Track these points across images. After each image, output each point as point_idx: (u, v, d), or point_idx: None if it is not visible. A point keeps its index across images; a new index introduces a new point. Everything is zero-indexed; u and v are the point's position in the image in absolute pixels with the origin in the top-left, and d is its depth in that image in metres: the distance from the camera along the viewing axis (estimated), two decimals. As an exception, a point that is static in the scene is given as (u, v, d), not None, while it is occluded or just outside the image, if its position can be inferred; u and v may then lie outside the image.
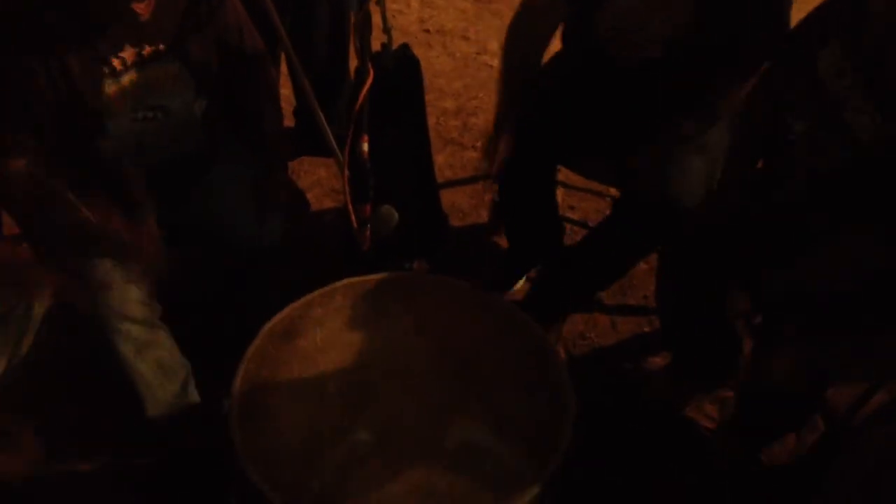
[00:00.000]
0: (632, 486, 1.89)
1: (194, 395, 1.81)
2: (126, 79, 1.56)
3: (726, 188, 1.78)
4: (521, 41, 1.89)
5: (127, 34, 1.53)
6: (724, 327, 1.97)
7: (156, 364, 1.69)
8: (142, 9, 1.46)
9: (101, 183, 1.63)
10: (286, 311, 1.60)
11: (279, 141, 1.88)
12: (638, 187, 1.85)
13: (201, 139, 1.74)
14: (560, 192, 2.46)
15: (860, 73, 1.42)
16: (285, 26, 1.81)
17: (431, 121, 2.22)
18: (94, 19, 1.47)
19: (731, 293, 1.92)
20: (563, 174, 2.39)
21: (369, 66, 1.49)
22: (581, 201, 2.70)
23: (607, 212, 2.67)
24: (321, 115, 1.62)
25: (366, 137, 1.49)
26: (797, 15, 1.61)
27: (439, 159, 2.77)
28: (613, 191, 2.63)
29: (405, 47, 1.97)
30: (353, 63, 1.79)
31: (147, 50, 1.56)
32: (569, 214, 2.60)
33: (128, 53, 1.54)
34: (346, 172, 1.50)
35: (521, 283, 2.34)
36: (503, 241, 2.56)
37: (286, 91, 2.43)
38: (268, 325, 1.57)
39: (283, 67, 2.36)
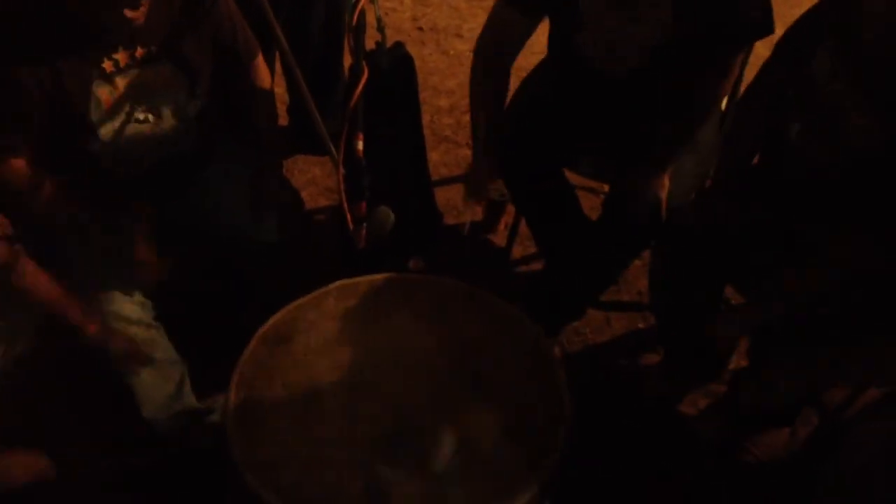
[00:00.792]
0: (626, 483, 1.90)
1: (190, 396, 1.82)
2: (119, 81, 1.55)
3: (719, 186, 1.78)
4: (487, 64, 1.91)
5: (119, 37, 1.52)
6: (716, 324, 1.98)
7: (151, 364, 1.69)
8: (135, 15, 1.45)
9: (95, 187, 1.63)
10: (279, 315, 1.60)
11: (274, 140, 1.88)
12: (626, 186, 1.86)
13: (196, 140, 1.74)
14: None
15: (854, 74, 1.43)
16: (280, 25, 1.80)
17: (425, 119, 2.22)
18: (88, 28, 1.46)
19: (724, 290, 1.94)
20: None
21: (364, 64, 1.48)
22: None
23: (600, 209, 2.67)
24: (316, 113, 1.62)
25: (361, 135, 1.49)
26: (794, 13, 1.61)
27: (433, 157, 2.77)
28: (607, 188, 2.63)
29: (399, 45, 1.97)
30: (347, 61, 1.80)
31: (140, 52, 1.55)
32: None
33: (120, 56, 1.53)
34: (341, 171, 1.49)
35: None
36: (498, 239, 2.57)
37: (280, 89, 2.43)
38: (260, 331, 1.56)
39: (277, 66, 2.36)
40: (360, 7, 1.41)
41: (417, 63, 2.02)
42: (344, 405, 1.47)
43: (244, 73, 1.76)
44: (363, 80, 1.46)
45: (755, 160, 1.76)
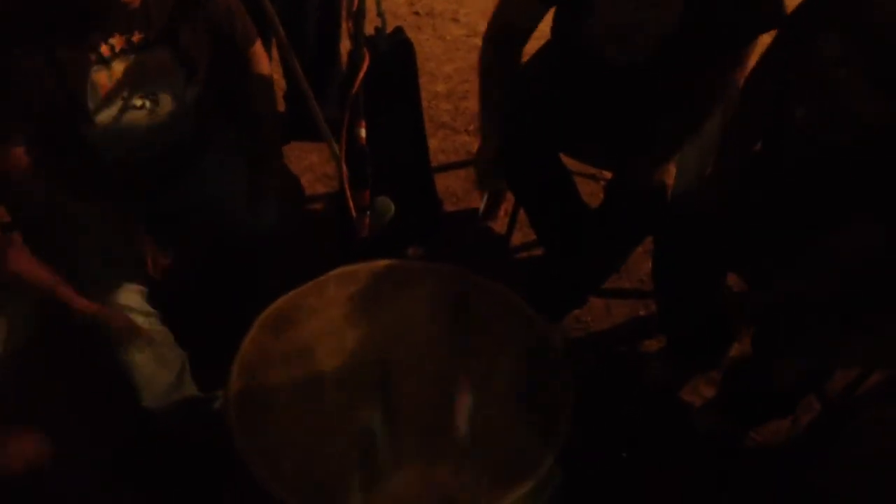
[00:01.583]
0: (626, 471, 1.90)
1: (190, 385, 1.80)
2: (115, 66, 1.53)
3: (722, 172, 1.77)
4: (493, 58, 1.88)
5: (116, 21, 1.50)
6: (719, 311, 1.97)
7: (150, 353, 1.68)
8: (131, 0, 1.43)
9: (92, 175, 1.62)
10: (279, 302, 1.59)
11: (273, 126, 1.86)
12: (627, 173, 1.85)
13: (193, 127, 1.72)
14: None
15: (862, 59, 1.41)
16: (276, 11, 1.78)
17: (422, 105, 2.21)
18: (85, 13, 1.44)
19: (726, 277, 1.93)
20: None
21: (364, 50, 1.46)
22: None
23: (600, 195, 2.66)
24: (314, 100, 1.60)
25: (363, 123, 1.47)
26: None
27: (432, 143, 2.75)
28: (607, 174, 2.62)
29: (399, 31, 1.95)
30: (344, 47, 1.78)
31: (137, 37, 1.53)
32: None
33: (117, 40, 1.52)
34: (343, 159, 1.48)
35: None
36: (497, 226, 2.55)
37: (276, 76, 2.40)
38: (261, 317, 1.55)
39: (274, 52, 2.34)
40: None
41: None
42: (345, 391, 1.46)
43: (242, 59, 1.74)
44: (364, 67, 1.44)
45: (758, 146, 1.75)
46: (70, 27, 1.45)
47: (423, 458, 1.34)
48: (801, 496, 1.73)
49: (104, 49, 1.51)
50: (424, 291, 1.64)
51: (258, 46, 1.76)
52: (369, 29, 1.72)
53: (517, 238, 2.49)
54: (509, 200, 2.51)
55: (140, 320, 1.65)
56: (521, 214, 2.37)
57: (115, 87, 1.55)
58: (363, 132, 1.48)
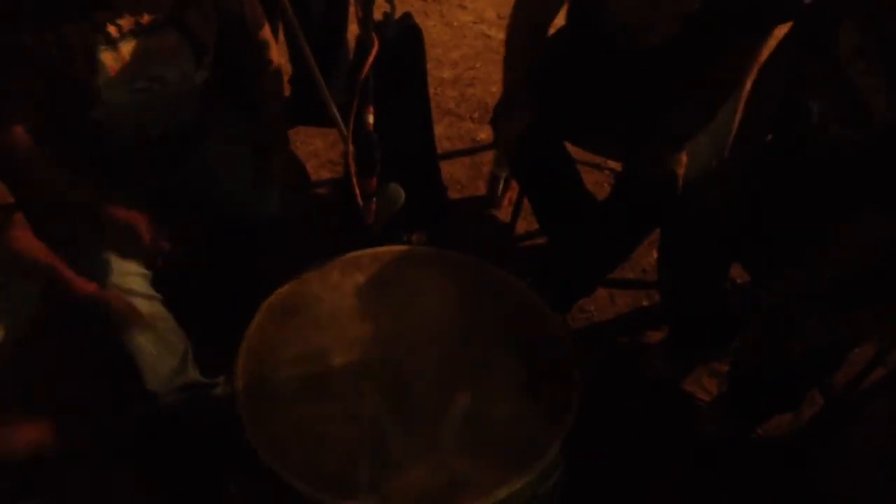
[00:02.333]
0: (629, 460, 1.90)
1: (194, 370, 1.80)
2: (123, 47, 1.52)
3: (734, 162, 1.76)
4: (524, 22, 1.86)
5: (125, 1, 1.49)
6: (724, 301, 1.97)
7: (155, 337, 1.67)
8: None
9: (97, 155, 1.61)
10: (284, 288, 1.58)
11: (279, 111, 1.85)
12: (639, 162, 1.84)
13: (200, 110, 1.71)
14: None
15: (878, 54, 1.40)
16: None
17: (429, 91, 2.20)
18: None
19: (730, 268, 1.93)
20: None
21: (373, 35, 1.45)
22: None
23: (605, 185, 2.66)
24: (323, 84, 1.59)
25: (371, 108, 1.46)
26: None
27: (437, 130, 2.73)
28: (612, 164, 2.61)
29: (408, 16, 1.94)
30: (351, 31, 1.76)
31: (145, 19, 1.52)
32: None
33: (125, 21, 1.50)
34: (350, 145, 1.46)
35: None
36: (502, 214, 2.55)
37: (281, 60, 2.39)
38: (266, 303, 1.55)
39: (280, 36, 2.32)
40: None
41: (421, 34, 1.99)
42: (352, 378, 1.46)
43: (250, 43, 1.73)
44: (374, 52, 1.43)
45: (769, 138, 1.74)
46: (79, 7, 1.44)
47: (432, 445, 1.34)
48: (803, 491, 1.74)
49: (112, 30, 1.50)
50: (430, 279, 1.64)
51: (266, 30, 1.74)
52: (377, 14, 1.71)
53: (521, 226, 2.49)
54: (514, 189, 2.50)
55: (142, 304, 1.64)
56: (526, 203, 2.36)
57: (123, 68, 1.54)
58: (371, 118, 1.47)
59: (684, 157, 1.77)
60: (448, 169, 2.66)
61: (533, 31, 1.86)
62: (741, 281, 2.17)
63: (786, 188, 1.64)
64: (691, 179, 1.79)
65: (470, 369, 1.47)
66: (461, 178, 2.67)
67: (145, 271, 1.67)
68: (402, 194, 1.53)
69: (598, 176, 2.67)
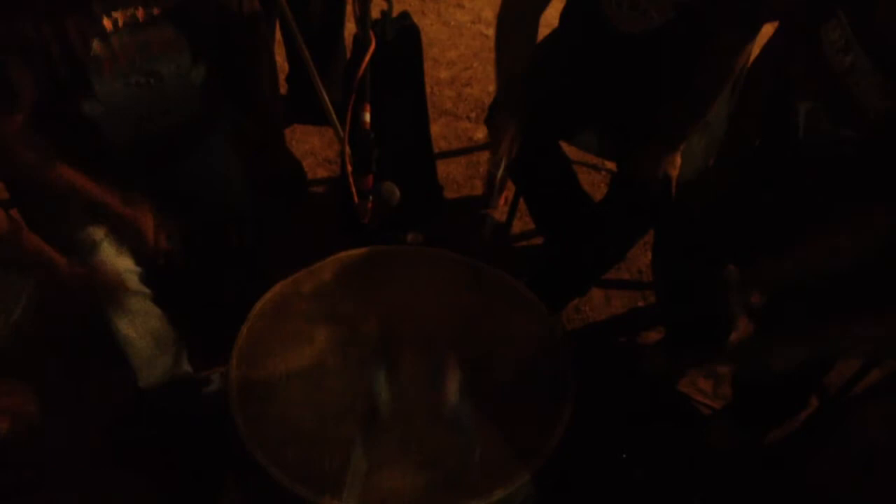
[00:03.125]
0: (624, 461, 1.90)
1: (187, 367, 1.80)
2: (117, 41, 1.51)
3: (724, 164, 1.77)
4: (512, 24, 1.86)
5: None
6: (719, 302, 1.97)
7: (148, 335, 1.67)
8: None
9: (92, 150, 1.60)
10: (275, 289, 1.59)
11: (277, 108, 1.85)
12: (637, 163, 1.84)
13: (196, 106, 1.70)
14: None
15: (867, 48, 1.40)
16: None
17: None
18: None
19: (726, 267, 1.92)
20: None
21: (371, 33, 1.45)
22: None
23: (602, 185, 2.66)
24: (319, 81, 1.58)
25: (368, 107, 1.46)
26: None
27: (434, 130, 2.73)
28: (609, 164, 2.61)
29: (405, 15, 1.93)
30: (348, 29, 1.76)
31: (141, 13, 1.51)
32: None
33: (120, 14, 1.49)
34: (346, 143, 1.46)
35: None
36: (497, 214, 2.54)
37: (278, 58, 2.39)
38: (257, 306, 1.55)
39: (276, 34, 2.32)
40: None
41: (418, 33, 1.99)
42: (345, 379, 1.46)
43: (248, 41, 1.72)
44: (371, 51, 1.43)
45: (758, 139, 1.74)
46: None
47: (428, 439, 1.34)
48: (798, 493, 1.73)
49: (107, 23, 1.48)
50: (424, 279, 1.64)
51: (263, 26, 1.74)
52: (375, 12, 1.71)
53: (517, 226, 2.49)
54: (509, 189, 2.50)
55: (136, 302, 1.63)
56: (522, 202, 2.36)
57: (118, 62, 1.53)
58: (368, 117, 1.47)
59: (678, 159, 1.77)
60: (445, 168, 2.65)
61: (523, 22, 1.85)
62: (736, 281, 2.16)
63: (777, 188, 1.64)
64: (685, 181, 1.79)
65: (464, 370, 1.46)
66: (458, 178, 2.66)
67: (138, 268, 1.66)
68: (397, 192, 1.53)
69: (594, 176, 2.67)
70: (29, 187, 1.64)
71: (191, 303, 1.81)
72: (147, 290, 1.68)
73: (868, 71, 1.41)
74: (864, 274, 1.45)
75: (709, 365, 2.08)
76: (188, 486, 1.72)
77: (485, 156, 2.72)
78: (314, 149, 2.70)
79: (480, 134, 2.84)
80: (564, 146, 2.06)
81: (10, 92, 1.46)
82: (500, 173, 1.62)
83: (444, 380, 1.43)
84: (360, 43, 1.47)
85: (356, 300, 1.60)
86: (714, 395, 2.06)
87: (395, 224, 2.02)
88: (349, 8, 1.70)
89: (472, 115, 2.93)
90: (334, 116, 1.59)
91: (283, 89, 2.65)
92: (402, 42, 1.90)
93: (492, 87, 3.03)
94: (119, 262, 1.61)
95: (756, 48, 1.73)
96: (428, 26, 3.38)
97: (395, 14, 1.89)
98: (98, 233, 1.59)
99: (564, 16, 1.94)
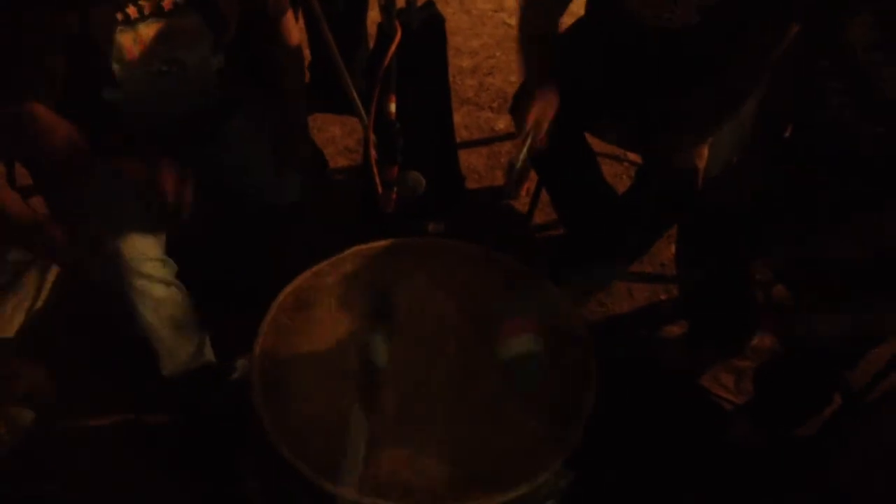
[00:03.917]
0: (646, 455, 1.89)
1: (210, 355, 1.81)
2: (141, 29, 1.51)
3: (751, 157, 1.74)
4: (535, 10, 1.84)
5: None
6: (743, 296, 1.95)
7: (172, 322, 1.67)
8: None
9: (115, 137, 1.60)
10: (297, 281, 1.59)
11: (300, 96, 1.84)
12: (663, 154, 1.82)
13: (219, 95, 1.70)
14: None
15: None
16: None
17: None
18: None
19: (751, 262, 1.90)
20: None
21: (396, 23, 1.44)
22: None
23: (624, 176, 2.64)
24: (345, 71, 1.57)
25: (393, 97, 1.45)
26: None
27: (455, 119, 2.71)
28: (633, 156, 2.59)
29: (430, 4, 1.92)
30: (372, 18, 1.75)
31: (166, 1, 1.51)
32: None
33: (145, 3, 1.49)
34: (372, 133, 1.46)
35: None
36: (519, 205, 2.53)
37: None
38: (279, 297, 1.55)
39: (299, 22, 2.31)
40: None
41: (441, 23, 1.97)
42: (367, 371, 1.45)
43: (272, 29, 1.72)
44: (396, 40, 1.42)
45: (788, 133, 1.72)
46: None
47: (449, 433, 1.34)
48: (821, 490, 1.72)
49: (131, 11, 1.48)
50: (445, 270, 1.63)
51: (289, 16, 1.73)
52: (400, 1, 1.69)
53: (539, 217, 2.47)
54: (532, 179, 2.49)
55: (161, 290, 1.63)
56: (544, 194, 2.34)
57: (141, 51, 1.53)
58: (393, 106, 1.46)
59: (705, 151, 1.75)
60: (466, 158, 2.64)
61: (546, 15, 1.84)
62: (762, 277, 2.14)
63: (805, 184, 1.62)
64: (711, 175, 1.77)
65: (487, 360, 1.46)
66: (479, 168, 2.65)
67: (165, 258, 1.67)
68: (423, 182, 1.52)
69: (617, 168, 2.65)
70: (55, 173, 1.65)
71: (213, 290, 1.82)
72: (172, 279, 1.69)
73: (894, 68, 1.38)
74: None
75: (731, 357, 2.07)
76: (208, 473, 1.73)
77: (506, 146, 2.71)
78: (335, 137, 2.70)
79: (502, 124, 2.83)
80: (588, 137, 2.04)
81: (47, 78, 1.46)
82: (521, 158, 1.60)
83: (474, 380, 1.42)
84: (386, 32, 1.46)
85: (378, 292, 1.59)
86: (736, 390, 2.05)
87: (416, 214, 2.01)
88: (372, -3, 1.70)
89: (494, 104, 2.91)
90: (360, 105, 1.58)
91: (305, 78, 2.65)
92: (427, 31, 1.88)
93: (514, 77, 3.01)
94: (146, 248, 1.62)
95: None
96: (450, 15, 3.36)
97: (419, 3, 1.87)
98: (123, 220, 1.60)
99: (589, 7, 1.92)
